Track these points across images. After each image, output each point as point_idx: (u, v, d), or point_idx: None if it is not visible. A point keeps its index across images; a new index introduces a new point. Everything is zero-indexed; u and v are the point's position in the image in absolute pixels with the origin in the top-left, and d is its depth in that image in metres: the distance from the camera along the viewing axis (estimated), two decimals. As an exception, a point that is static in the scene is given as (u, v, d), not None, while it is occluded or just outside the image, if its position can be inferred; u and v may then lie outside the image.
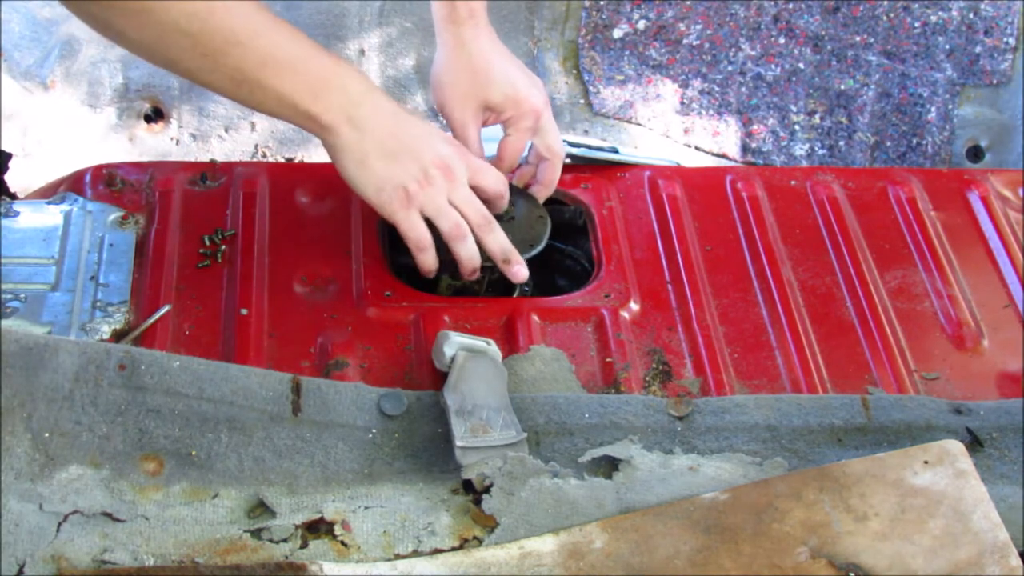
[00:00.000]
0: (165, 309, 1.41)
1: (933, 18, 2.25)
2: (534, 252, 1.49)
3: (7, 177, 2.03)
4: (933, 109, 2.25)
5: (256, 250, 1.50)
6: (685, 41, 2.22)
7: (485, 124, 1.53)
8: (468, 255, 1.42)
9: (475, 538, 1.17)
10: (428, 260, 1.42)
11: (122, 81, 2.14)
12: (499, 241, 1.43)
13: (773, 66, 2.24)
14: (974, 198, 1.72)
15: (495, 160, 1.52)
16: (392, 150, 1.37)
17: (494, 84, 1.50)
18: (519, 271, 1.45)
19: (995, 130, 2.28)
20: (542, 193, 1.56)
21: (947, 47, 2.26)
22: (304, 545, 1.15)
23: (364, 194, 1.39)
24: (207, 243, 1.50)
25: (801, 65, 2.24)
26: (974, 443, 1.33)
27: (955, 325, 1.54)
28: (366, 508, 1.19)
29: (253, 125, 2.19)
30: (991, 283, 1.60)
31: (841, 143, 2.24)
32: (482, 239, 1.42)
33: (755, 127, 2.23)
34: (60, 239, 1.47)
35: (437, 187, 1.39)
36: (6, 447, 1.12)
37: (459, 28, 1.50)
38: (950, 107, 2.26)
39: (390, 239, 1.54)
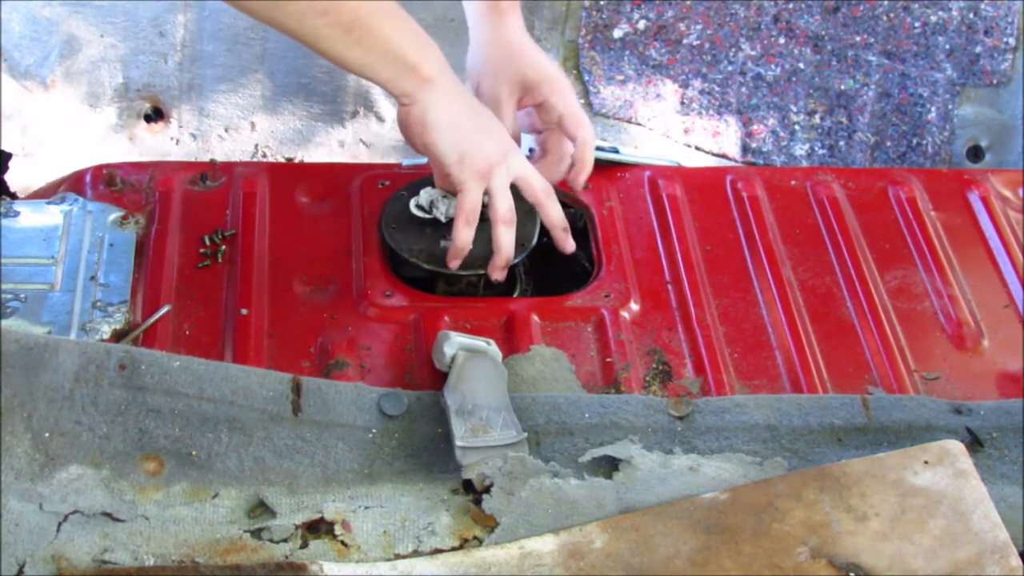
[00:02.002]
0: (165, 309, 1.41)
1: (933, 18, 2.25)
2: (525, 253, 1.51)
3: (7, 177, 2.03)
4: (933, 109, 2.25)
5: (256, 250, 1.50)
6: (685, 41, 2.22)
7: (521, 106, 1.54)
8: (508, 243, 1.43)
9: (475, 538, 1.17)
10: (469, 237, 1.43)
11: (122, 81, 2.14)
12: (510, 238, 1.44)
13: (773, 66, 2.24)
14: (974, 198, 1.71)
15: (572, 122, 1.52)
16: (481, 122, 1.41)
17: (528, 63, 1.52)
18: (501, 277, 1.47)
19: (995, 130, 2.28)
20: (581, 176, 1.55)
21: (947, 47, 2.25)
22: (304, 545, 1.15)
23: (444, 156, 1.39)
24: (207, 243, 1.50)
25: (801, 65, 2.24)
26: (974, 443, 1.33)
27: (955, 325, 1.54)
28: (366, 508, 1.19)
29: (253, 125, 2.19)
30: (991, 283, 1.60)
31: (841, 143, 2.24)
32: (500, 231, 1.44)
33: (755, 127, 2.23)
34: (60, 239, 1.47)
35: (505, 170, 1.41)
36: (6, 447, 1.12)
37: (502, 17, 1.53)
38: (950, 107, 2.26)
39: (391, 250, 1.54)
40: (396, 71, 1.35)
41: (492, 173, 1.40)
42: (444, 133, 1.38)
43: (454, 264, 1.45)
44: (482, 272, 1.47)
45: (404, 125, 1.41)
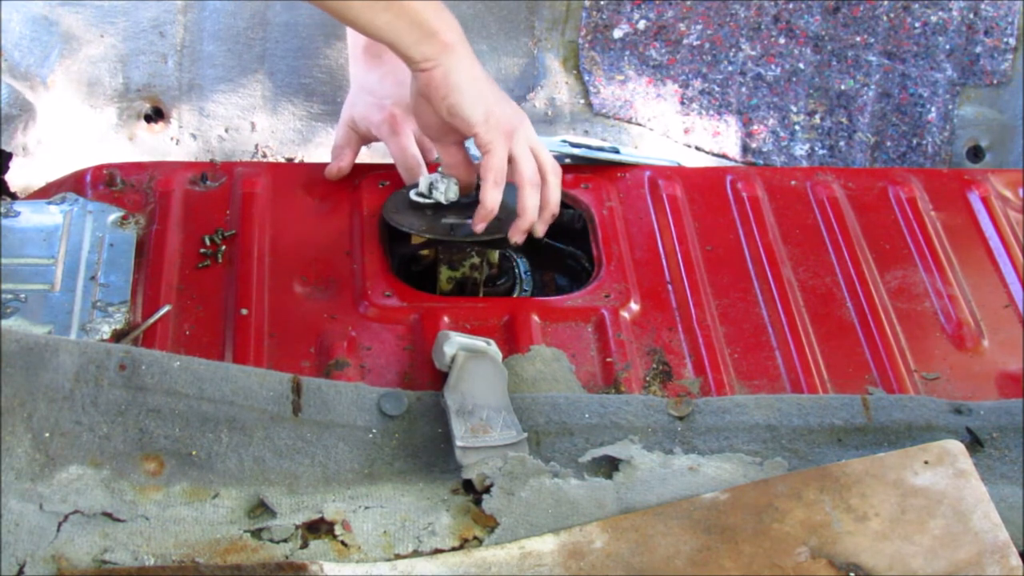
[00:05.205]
0: (165, 309, 1.41)
1: (933, 18, 2.25)
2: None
3: (7, 177, 2.03)
4: (933, 109, 2.25)
5: (256, 250, 1.50)
6: (685, 41, 2.22)
7: None
8: (533, 206, 1.45)
9: (475, 538, 1.17)
10: (498, 199, 1.45)
11: (122, 81, 2.14)
12: (536, 200, 1.47)
13: (773, 66, 2.24)
14: (974, 198, 1.72)
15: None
16: (497, 88, 1.44)
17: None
18: (520, 240, 1.49)
19: (995, 130, 2.28)
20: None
21: (947, 47, 2.25)
22: (304, 545, 1.15)
23: (471, 115, 1.41)
24: (207, 243, 1.50)
25: (801, 65, 2.24)
26: (974, 443, 1.33)
27: (955, 325, 1.54)
28: (366, 508, 1.19)
29: (253, 125, 2.19)
30: (991, 283, 1.60)
31: (841, 143, 2.24)
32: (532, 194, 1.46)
33: (755, 127, 2.23)
34: (60, 239, 1.47)
35: (524, 135, 1.44)
36: (6, 447, 1.13)
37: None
38: (950, 107, 2.26)
39: (393, 233, 1.54)
40: (419, 36, 1.37)
41: (515, 135, 1.43)
42: (468, 92, 1.40)
43: (480, 227, 1.46)
44: (500, 236, 1.48)
45: (426, 90, 1.42)
